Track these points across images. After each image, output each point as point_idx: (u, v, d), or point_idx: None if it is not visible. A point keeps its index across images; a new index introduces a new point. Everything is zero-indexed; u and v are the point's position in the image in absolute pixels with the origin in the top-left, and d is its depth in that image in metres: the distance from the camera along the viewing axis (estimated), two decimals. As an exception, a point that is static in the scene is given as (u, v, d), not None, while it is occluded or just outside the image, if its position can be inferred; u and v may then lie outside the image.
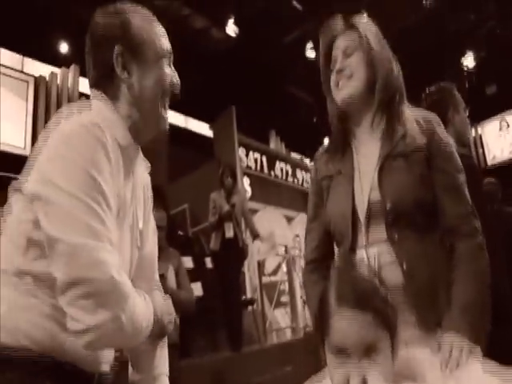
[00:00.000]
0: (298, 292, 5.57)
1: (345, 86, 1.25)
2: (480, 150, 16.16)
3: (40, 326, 0.89)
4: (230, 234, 4.68)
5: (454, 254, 1.14)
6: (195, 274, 5.87)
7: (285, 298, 6.38)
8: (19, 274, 0.90)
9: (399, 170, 1.17)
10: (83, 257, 0.83)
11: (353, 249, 1.20)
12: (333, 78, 1.28)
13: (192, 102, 11.62)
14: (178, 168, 8.87)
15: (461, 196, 1.18)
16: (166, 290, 2.58)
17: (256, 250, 5.34)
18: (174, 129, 10.71)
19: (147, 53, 1.03)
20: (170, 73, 1.08)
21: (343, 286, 0.90)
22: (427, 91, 2.16)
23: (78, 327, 0.83)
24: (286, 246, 5.35)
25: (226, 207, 4.77)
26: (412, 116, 1.25)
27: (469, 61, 13.88)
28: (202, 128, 13.00)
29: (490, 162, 15.69)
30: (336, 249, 1.31)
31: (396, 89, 1.25)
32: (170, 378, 1.17)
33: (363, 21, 1.30)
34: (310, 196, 1.39)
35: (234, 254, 4.67)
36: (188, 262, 5.96)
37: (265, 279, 6.29)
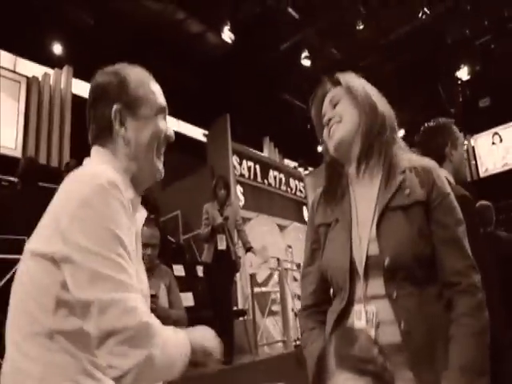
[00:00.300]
0: (290, 304, 5.52)
1: (335, 131, 1.24)
2: (473, 162, 16.34)
3: (77, 382, 0.93)
4: (222, 246, 4.64)
5: (453, 311, 1.12)
6: (186, 284, 5.83)
7: (276, 308, 6.34)
8: (51, 334, 0.93)
9: (398, 223, 1.14)
10: (114, 310, 0.89)
11: (350, 302, 1.17)
12: (325, 131, 1.28)
13: (186, 106, 11.63)
14: (171, 173, 8.76)
15: (460, 250, 1.15)
16: (158, 309, 2.55)
17: (248, 263, 5.30)
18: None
19: (143, 110, 1.11)
20: (165, 127, 1.15)
21: (343, 349, 0.93)
22: (425, 125, 2.15)
23: (117, 373, 0.88)
24: (278, 259, 5.31)
25: (219, 219, 4.73)
26: (411, 163, 1.23)
27: (463, 73, 14.02)
28: (196, 133, 12.99)
29: (482, 174, 15.87)
30: (333, 295, 1.28)
31: (384, 131, 1.24)
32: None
33: (348, 76, 1.31)
34: (307, 238, 1.37)
35: (226, 266, 4.63)
36: (179, 270, 5.91)
37: (256, 289, 6.25)
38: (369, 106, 1.24)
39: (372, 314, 1.12)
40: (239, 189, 7.94)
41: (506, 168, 15.43)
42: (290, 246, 6.65)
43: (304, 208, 9.55)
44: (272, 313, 6.45)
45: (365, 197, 1.23)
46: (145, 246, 2.69)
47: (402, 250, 1.12)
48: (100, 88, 1.10)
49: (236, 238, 4.96)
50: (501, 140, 15.77)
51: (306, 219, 8.04)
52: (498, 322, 1.60)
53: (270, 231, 7.80)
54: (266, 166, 8.94)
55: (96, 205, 0.93)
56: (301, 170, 10.37)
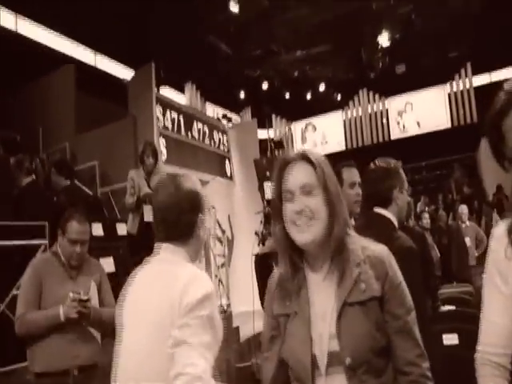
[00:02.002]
0: (214, 271, 5.63)
1: (306, 229, 1.23)
2: (385, 121, 17.18)
3: None
4: (149, 217, 4.53)
5: None
6: (106, 247, 5.66)
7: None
8: None
9: (356, 319, 1.21)
10: None
11: None
12: (290, 214, 1.26)
13: (110, 44, 10.77)
14: (88, 117, 8.27)
15: (412, 340, 1.25)
16: (92, 313, 2.47)
17: None
18: (88, 73, 9.89)
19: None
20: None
21: None
22: (376, 165, 2.21)
23: None
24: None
25: (146, 189, 4.59)
26: (365, 252, 1.27)
27: (383, 39, 14.39)
28: (118, 72, 12.16)
29: (392, 136, 16.79)
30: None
31: (346, 227, 1.28)
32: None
33: (322, 161, 1.29)
34: (265, 323, 1.39)
35: (152, 238, 4.55)
36: (98, 228, 5.70)
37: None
38: (339, 205, 1.26)
39: None
40: (162, 142, 7.69)
41: (409, 135, 16.47)
42: (213, 207, 6.65)
43: (227, 162, 9.52)
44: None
45: (322, 291, 1.27)
46: (74, 242, 2.57)
47: (361, 346, 1.19)
48: (187, 200, 1.54)
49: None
50: (412, 108, 16.70)
51: (229, 174, 7.99)
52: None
53: (193, 188, 7.72)
54: (189, 118, 8.68)
55: (209, 306, 1.41)
56: (224, 122, 10.21)
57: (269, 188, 5.38)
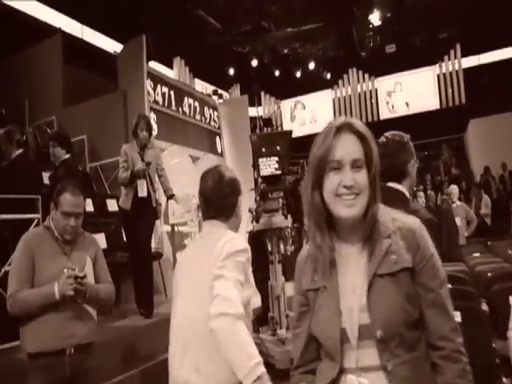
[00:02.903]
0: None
1: (353, 204, 1.19)
2: (374, 101, 17.15)
3: None
4: (143, 192, 4.45)
5: (439, 376, 1.20)
6: (97, 223, 5.57)
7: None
8: None
9: (387, 291, 1.17)
10: None
11: (342, 370, 1.20)
12: (334, 187, 1.20)
13: (97, 16, 10.45)
14: (77, 90, 8.04)
15: (445, 314, 1.22)
16: (88, 290, 2.38)
17: (170, 211, 5.17)
18: (75, 46, 9.58)
19: None
20: None
21: None
22: (389, 138, 2.18)
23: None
24: (198, 206, 5.25)
25: (140, 164, 4.49)
26: (395, 224, 1.24)
27: (375, 18, 14.25)
28: (107, 46, 11.85)
29: (381, 116, 16.80)
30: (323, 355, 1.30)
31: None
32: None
33: (363, 127, 1.24)
34: (295, 299, 1.36)
35: (146, 213, 4.47)
36: (88, 204, 5.60)
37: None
38: (379, 181, 1.23)
39: None
40: (153, 116, 7.54)
41: (398, 115, 16.50)
42: (204, 184, 6.58)
43: (217, 138, 9.41)
44: (183, 247, 6.53)
45: (352, 264, 1.23)
46: (67, 215, 2.41)
47: (392, 318, 1.16)
48: (228, 185, 1.89)
49: (156, 184, 4.78)
50: (401, 89, 16.68)
51: (219, 150, 7.89)
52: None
53: (184, 164, 7.64)
54: (180, 93, 8.52)
55: (244, 255, 1.78)
56: (215, 98, 10.05)
57: (264, 164, 5.32)
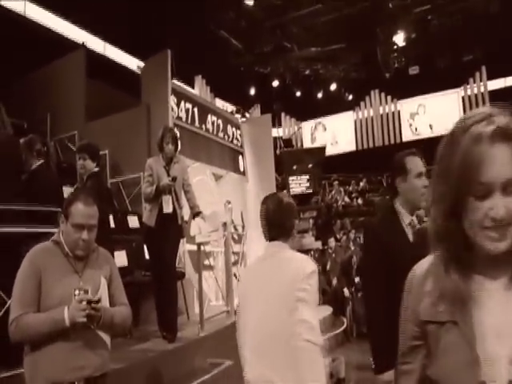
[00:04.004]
0: (233, 269, 5.29)
1: (503, 238, 0.90)
2: (397, 123, 16.91)
3: None
4: (168, 209, 4.19)
5: None
6: (118, 239, 5.32)
7: (210, 262, 6.10)
8: None
9: None
10: None
11: None
12: (481, 217, 0.90)
13: (122, 34, 10.48)
14: (99, 105, 7.94)
15: None
16: (103, 316, 2.08)
17: (197, 230, 4.91)
18: (98, 61, 9.57)
19: None
20: None
21: None
22: None
23: None
24: (225, 223, 4.99)
25: (166, 179, 4.25)
26: None
27: (399, 39, 14.10)
28: (130, 63, 11.87)
29: (404, 138, 16.54)
30: None
31: None
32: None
33: None
34: (403, 328, 1.07)
35: (171, 231, 4.21)
36: (110, 221, 5.37)
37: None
38: None
39: None
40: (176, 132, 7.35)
41: (421, 137, 16.20)
42: (229, 202, 6.32)
43: (240, 157, 9.18)
44: (206, 267, 6.25)
45: (494, 301, 0.93)
46: (79, 227, 2.14)
47: None
48: (288, 210, 2.13)
49: (183, 200, 4.52)
50: (424, 112, 16.43)
51: (241, 169, 7.66)
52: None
53: (206, 181, 7.41)
54: (204, 110, 8.35)
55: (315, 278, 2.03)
56: (238, 116, 9.88)
57: (294, 182, 5.05)
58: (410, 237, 2.33)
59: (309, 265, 1.98)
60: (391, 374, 2.12)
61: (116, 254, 4.73)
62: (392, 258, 2.22)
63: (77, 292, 2.02)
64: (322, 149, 4.91)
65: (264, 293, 1.99)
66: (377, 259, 2.27)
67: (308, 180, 4.95)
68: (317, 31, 14.68)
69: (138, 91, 7.72)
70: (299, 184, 4.96)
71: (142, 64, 9.75)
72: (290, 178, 4.95)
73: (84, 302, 1.99)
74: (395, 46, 14.50)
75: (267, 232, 2.12)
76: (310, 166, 4.86)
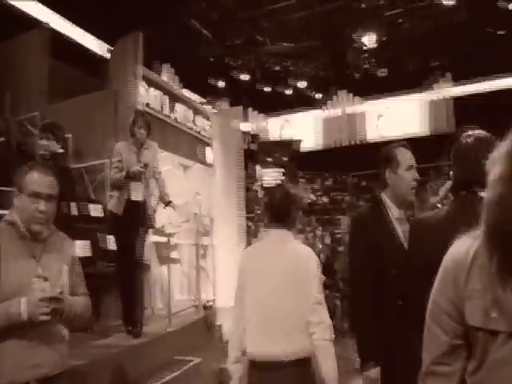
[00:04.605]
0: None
1: None
2: (363, 124, 17.12)
3: None
4: (137, 197, 3.98)
5: None
6: (81, 228, 5.02)
7: (174, 255, 5.89)
8: None
9: None
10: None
11: None
12: None
13: (88, 16, 10.07)
14: (62, 87, 7.54)
15: None
16: (65, 309, 1.85)
17: (167, 219, 4.69)
18: (62, 42, 9.13)
19: None
20: None
21: None
22: None
23: None
24: (195, 214, 4.79)
25: (136, 165, 4.02)
26: None
27: (370, 40, 14.21)
28: (94, 46, 11.40)
29: (370, 139, 16.82)
30: None
31: None
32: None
33: None
34: (438, 323, 0.92)
35: (140, 220, 4.00)
36: (72, 208, 5.06)
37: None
38: None
39: None
40: (143, 120, 7.06)
41: (386, 139, 16.45)
42: (198, 193, 6.12)
43: (208, 149, 8.97)
44: (171, 260, 6.04)
45: None
46: (36, 196, 1.89)
47: None
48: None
49: (152, 188, 4.30)
50: (390, 113, 16.71)
51: (209, 161, 7.47)
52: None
53: (174, 171, 7.18)
54: (174, 98, 8.10)
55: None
56: (208, 107, 9.66)
57: (268, 175, 4.91)
58: (399, 230, 2.27)
59: (315, 257, 2.28)
60: (377, 372, 2.05)
61: (78, 243, 4.46)
62: (379, 250, 2.16)
63: (35, 280, 1.78)
64: (298, 142, 4.78)
65: (271, 274, 2.19)
66: (364, 251, 2.21)
67: (283, 173, 4.78)
68: (289, 27, 14.59)
69: (104, 75, 7.39)
70: (273, 177, 4.79)
71: (108, 47, 9.39)
72: (264, 171, 4.78)
73: (43, 295, 1.75)
74: (365, 48, 14.60)
75: (272, 221, 2.30)
76: (286, 159, 4.70)
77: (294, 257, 2.21)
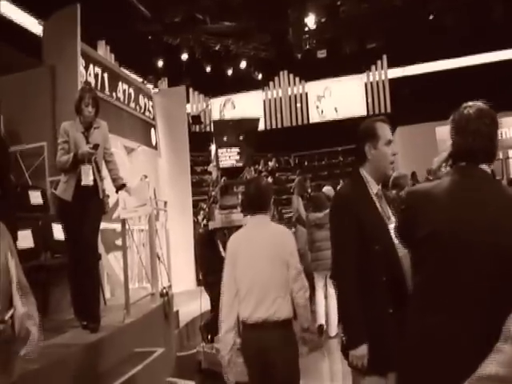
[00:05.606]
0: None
1: None
2: (304, 105, 17.25)
3: None
4: (88, 180, 3.68)
5: None
6: (20, 217, 4.62)
7: (119, 242, 5.62)
8: None
9: None
10: None
11: None
12: None
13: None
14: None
15: None
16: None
17: (122, 204, 4.40)
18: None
19: None
20: None
21: None
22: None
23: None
24: (150, 198, 4.56)
25: (85, 146, 3.73)
26: None
27: (310, 21, 14.25)
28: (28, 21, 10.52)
29: (311, 120, 16.98)
30: None
31: None
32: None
33: None
34: None
35: (92, 206, 3.72)
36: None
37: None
38: None
39: None
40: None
41: (326, 119, 16.74)
42: (145, 176, 5.83)
43: (152, 130, 8.63)
44: (118, 247, 5.78)
45: None
46: None
47: None
48: None
49: (104, 171, 4.02)
50: (330, 94, 16.93)
51: (154, 143, 7.22)
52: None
53: (118, 154, 6.82)
54: (114, 76, 7.67)
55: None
56: (149, 86, 9.28)
57: (224, 155, 4.77)
58: (378, 206, 2.24)
59: (290, 232, 3.06)
60: (364, 349, 2.02)
61: (20, 234, 4.11)
62: (362, 226, 2.12)
63: None
64: (256, 120, 4.67)
65: (259, 252, 2.65)
66: (347, 227, 2.15)
67: (238, 153, 4.65)
68: (229, 6, 14.28)
69: (38, 51, 6.82)
70: (229, 157, 4.66)
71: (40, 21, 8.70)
72: (220, 151, 4.63)
73: None
74: (306, 28, 14.62)
75: (251, 208, 2.83)
76: (241, 138, 4.56)
77: (276, 235, 2.72)
